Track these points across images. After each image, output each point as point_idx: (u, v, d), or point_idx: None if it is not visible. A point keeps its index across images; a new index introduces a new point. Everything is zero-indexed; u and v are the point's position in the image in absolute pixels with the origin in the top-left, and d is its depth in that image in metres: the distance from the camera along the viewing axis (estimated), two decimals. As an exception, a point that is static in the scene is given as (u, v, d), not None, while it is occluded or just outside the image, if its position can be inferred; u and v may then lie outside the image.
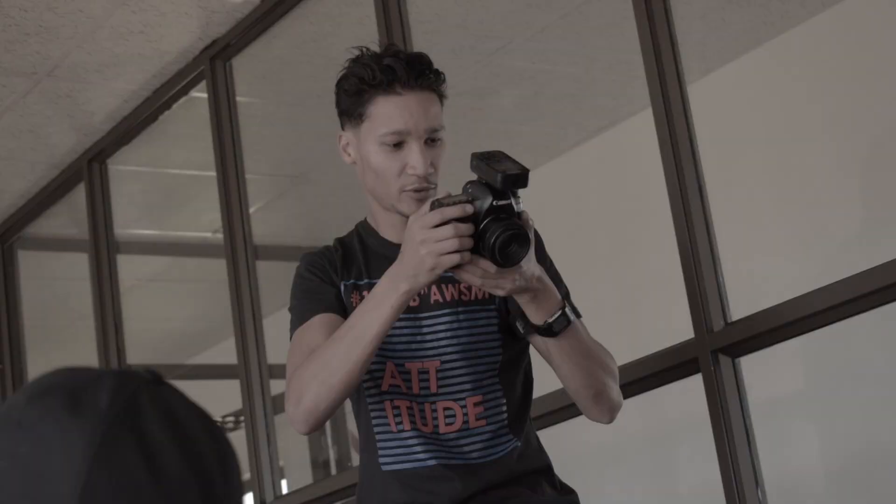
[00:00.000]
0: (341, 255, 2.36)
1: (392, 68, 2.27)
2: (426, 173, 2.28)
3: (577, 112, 5.02)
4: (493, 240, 2.09)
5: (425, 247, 2.09)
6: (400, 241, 2.22)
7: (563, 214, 5.08)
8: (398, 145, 2.27)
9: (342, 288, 2.33)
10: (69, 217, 5.58)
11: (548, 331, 2.22)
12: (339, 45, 4.38)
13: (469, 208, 2.10)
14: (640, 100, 4.65)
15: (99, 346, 5.06)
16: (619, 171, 5.10)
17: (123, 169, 5.17)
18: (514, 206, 2.11)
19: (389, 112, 2.27)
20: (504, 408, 2.32)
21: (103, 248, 5.04)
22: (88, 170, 5.10)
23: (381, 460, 2.31)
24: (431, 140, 2.30)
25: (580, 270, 5.24)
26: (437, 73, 2.32)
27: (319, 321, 2.29)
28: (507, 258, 2.10)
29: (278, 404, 4.38)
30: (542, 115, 5.06)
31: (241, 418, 4.40)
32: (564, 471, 2.39)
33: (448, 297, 2.32)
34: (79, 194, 5.25)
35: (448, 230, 2.08)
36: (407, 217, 2.24)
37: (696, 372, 3.10)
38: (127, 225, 5.37)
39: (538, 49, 4.53)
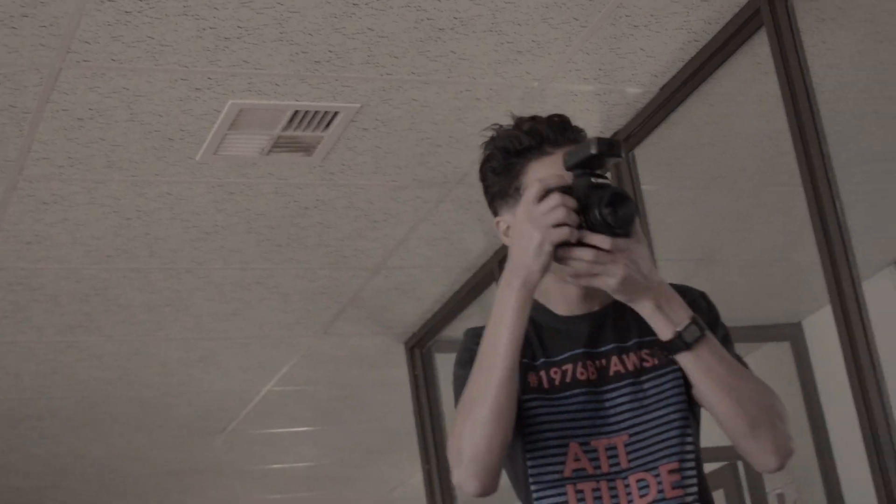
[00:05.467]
0: None
1: (536, 130, 2.17)
2: None
3: None
4: (600, 201, 2.01)
5: (532, 223, 2.01)
6: (575, 314, 2.17)
7: None
8: None
9: None
10: (481, 317, 5.73)
11: (680, 343, 2.06)
12: (741, 124, 4.38)
13: (568, 177, 2.05)
14: None
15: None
16: None
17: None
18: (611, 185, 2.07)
19: (545, 173, 2.12)
20: (695, 477, 2.12)
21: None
22: (500, 271, 5.25)
23: None
24: None
25: None
26: (579, 129, 2.21)
27: None
28: (619, 219, 2.02)
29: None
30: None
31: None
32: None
33: (630, 367, 2.17)
34: (489, 295, 5.42)
35: (553, 199, 2.01)
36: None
37: None
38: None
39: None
